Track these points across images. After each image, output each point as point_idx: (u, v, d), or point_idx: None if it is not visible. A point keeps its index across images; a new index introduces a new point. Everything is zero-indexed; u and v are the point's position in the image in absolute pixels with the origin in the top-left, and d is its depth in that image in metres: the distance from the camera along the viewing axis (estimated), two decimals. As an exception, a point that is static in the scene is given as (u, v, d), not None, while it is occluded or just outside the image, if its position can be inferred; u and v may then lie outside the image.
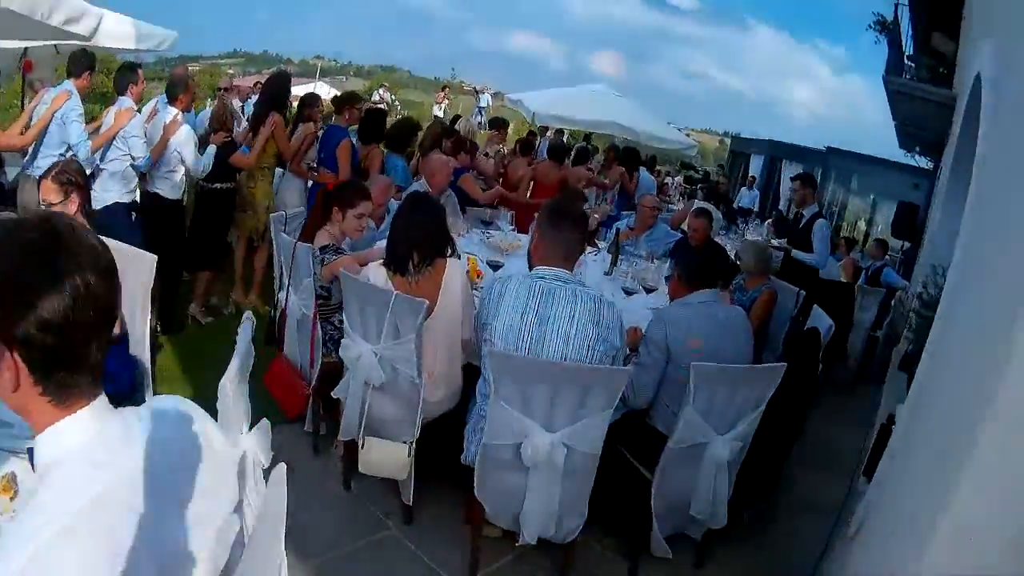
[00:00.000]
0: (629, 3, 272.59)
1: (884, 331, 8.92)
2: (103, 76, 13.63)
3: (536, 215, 4.06)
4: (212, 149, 6.77)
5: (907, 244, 15.21)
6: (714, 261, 4.58)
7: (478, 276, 5.42)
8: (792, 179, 9.32)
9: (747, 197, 19.18)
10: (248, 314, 2.80)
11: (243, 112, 15.18)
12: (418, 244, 4.09)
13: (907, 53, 13.60)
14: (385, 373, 3.99)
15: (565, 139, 16.77)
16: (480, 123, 28.44)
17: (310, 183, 7.74)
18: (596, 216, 7.83)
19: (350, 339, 4.18)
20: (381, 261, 4.20)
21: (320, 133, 7.82)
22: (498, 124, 11.34)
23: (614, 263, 6.55)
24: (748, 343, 4.31)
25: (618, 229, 7.27)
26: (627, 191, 11.59)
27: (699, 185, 16.83)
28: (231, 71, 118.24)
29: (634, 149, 13.08)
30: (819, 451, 6.18)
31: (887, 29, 13.81)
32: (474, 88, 35.98)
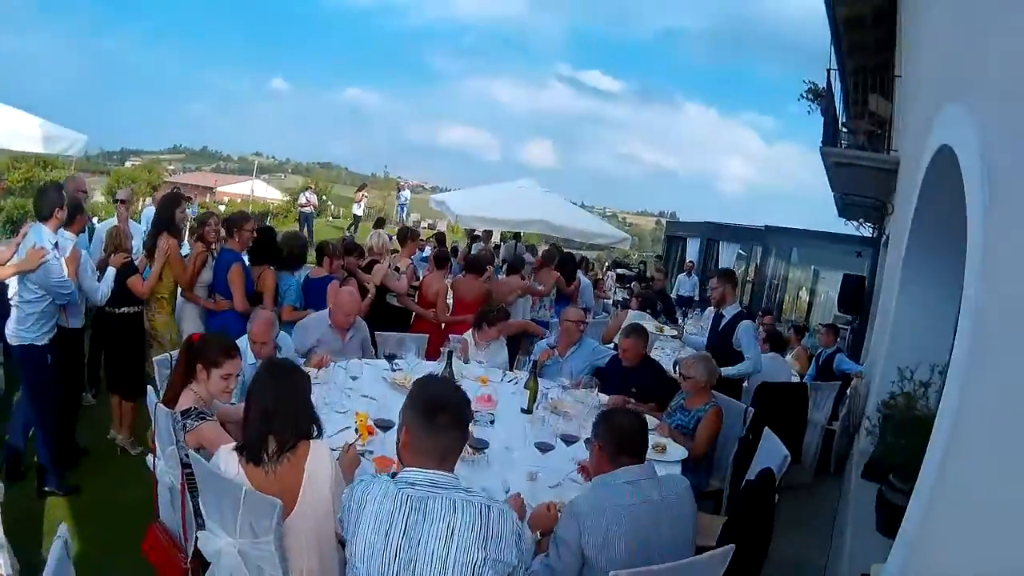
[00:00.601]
0: (558, 91, 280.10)
1: (841, 423, 8.44)
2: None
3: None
4: (111, 272, 6.47)
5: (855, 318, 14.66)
6: (643, 431, 3.56)
7: (370, 433, 4.55)
8: (710, 276, 8.55)
9: (686, 284, 18.47)
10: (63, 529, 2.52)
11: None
12: (275, 428, 3.31)
13: (841, 120, 13.03)
14: (251, 572, 3.26)
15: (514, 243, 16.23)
16: (401, 220, 27.85)
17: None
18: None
19: (209, 530, 3.43)
20: (233, 446, 3.42)
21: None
22: (407, 235, 10.05)
23: (533, 399, 5.61)
24: (691, 522, 3.46)
25: (534, 362, 6.41)
26: (566, 295, 11.21)
27: (631, 283, 16.14)
28: (171, 167, 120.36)
29: (570, 255, 12.82)
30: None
31: (820, 97, 13.18)
32: (396, 183, 35.42)
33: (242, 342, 5.30)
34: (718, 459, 5.87)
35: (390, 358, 6.36)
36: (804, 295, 22.44)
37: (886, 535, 4.43)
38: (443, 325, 8.76)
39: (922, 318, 6.50)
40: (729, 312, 7.40)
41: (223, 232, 7.12)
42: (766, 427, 5.30)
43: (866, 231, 17.34)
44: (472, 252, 14.54)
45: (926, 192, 5.75)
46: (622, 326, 7.52)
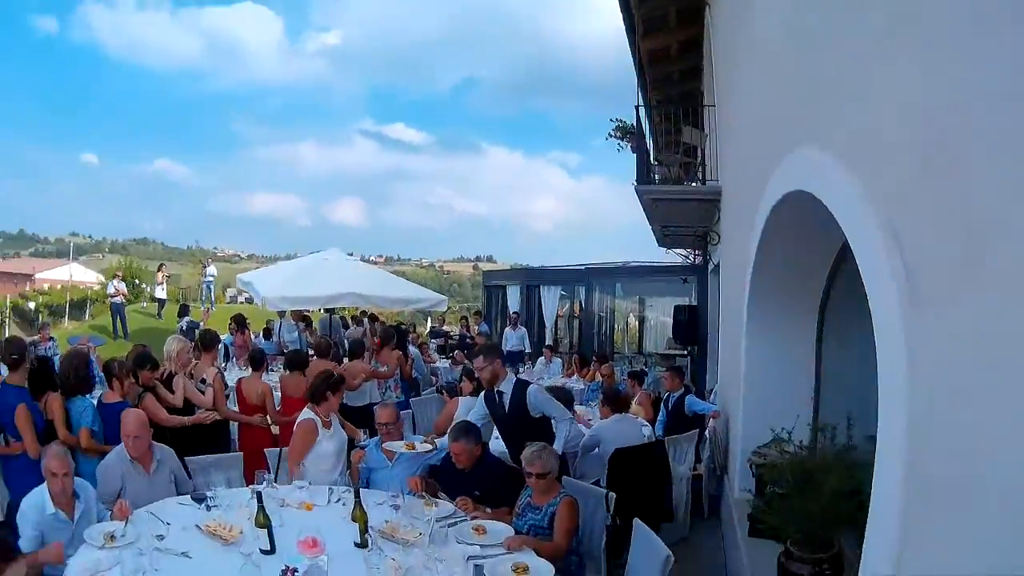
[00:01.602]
0: (363, 147, 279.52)
1: (705, 466, 8.29)
2: None
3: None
4: None
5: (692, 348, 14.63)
6: None
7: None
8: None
9: (513, 337, 17.55)
10: None
11: None
12: None
13: (652, 154, 12.97)
14: None
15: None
16: (205, 298, 26.46)
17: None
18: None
19: None
20: None
21: None
22: (208, 341, 8.60)
23: (364, 531, 4.76)
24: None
25: (356, 490, 5.17)
26: (404, 374, 10.98)
27: (453, 353, 15.53)
28: None
29: (396, 327, 12.59)
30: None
31: (629, 134, 13.09)
32: (207, 258, 33.80)
33: (42, 492, 4.82)
34: (588, 550, 5.42)
35: (198, 498, 5.40)
36: (634, 325, 22.43)
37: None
38: (275, 429, 8.13)
39: (774, 356, 6.34)
40: (506, 387, 6.60)
41: None
42: (636, 520, 4.91)
43: (676, 258, 17.50)
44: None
45: (771, 233, 5.53)
46: (453, 419, 6.91)
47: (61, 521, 4.82)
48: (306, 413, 6.37)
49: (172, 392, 7.45)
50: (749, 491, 6.18)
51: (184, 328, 16.56)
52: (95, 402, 6.75)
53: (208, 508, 5.20)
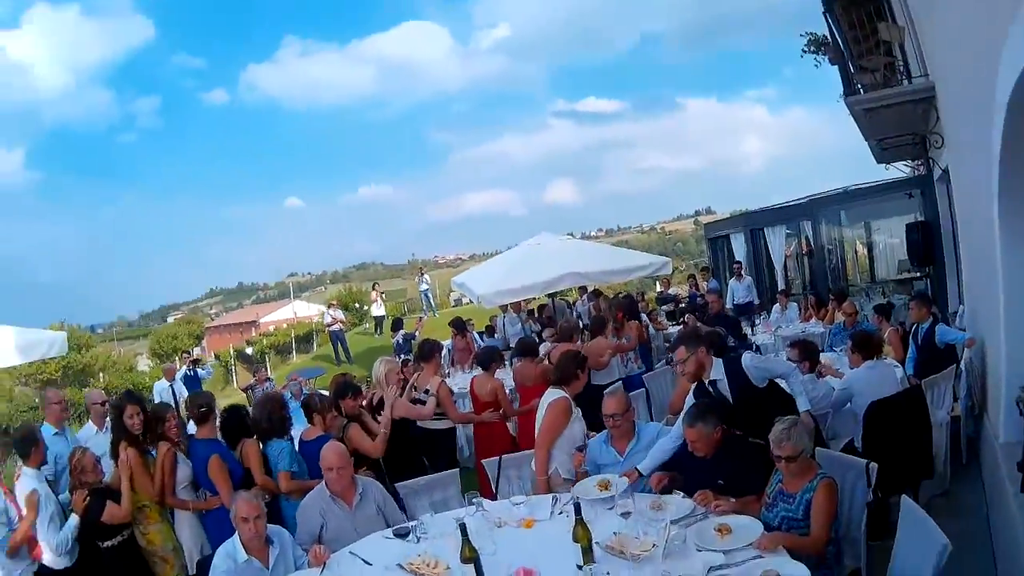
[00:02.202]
0: (561, 128, 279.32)
1: (962, 404, 7.22)
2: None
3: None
4: (72, 522, 5.73)
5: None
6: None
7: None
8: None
9: (739, 290, 16.59)
10: None
11: (173, 393, 13.52)
12: None
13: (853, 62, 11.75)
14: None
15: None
16: (427, 307, 26.87)
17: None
18: None
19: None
20: None
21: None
22: (426, 352, 8.14)
23: (587, 551, 4.01)
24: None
25: (576, 504, 4.27)
26: (645, 345, 10.79)
27: (684, 317, 14.22)
28: (213, 311, 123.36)
29: (629, 297, 12.36)
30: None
31: (823, 45, 11.86)
32: (419, 269, 34.42)
33: (234, 541, 4.68)
34: (845, 533, 4.58)
35: (401, 533, 4.95)
36: (863, 253, 20.78)
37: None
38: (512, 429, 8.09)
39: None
40: (717, 373, 5.63)
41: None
42: (904, 497, 4.07)
43: (898, 172, 16.03)
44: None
45: (1021, 108, 4.29)
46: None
47: (255, 569, 4.60)
48: (555, 393, 5.87)
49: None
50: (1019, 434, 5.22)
51: (400, 342, 16.64)
52: (296, 441, 6.57)
53: (417, 540, 4.78)
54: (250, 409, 7.14)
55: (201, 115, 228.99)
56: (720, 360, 5.65)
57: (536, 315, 15.66)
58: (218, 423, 6.60)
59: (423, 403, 7.47)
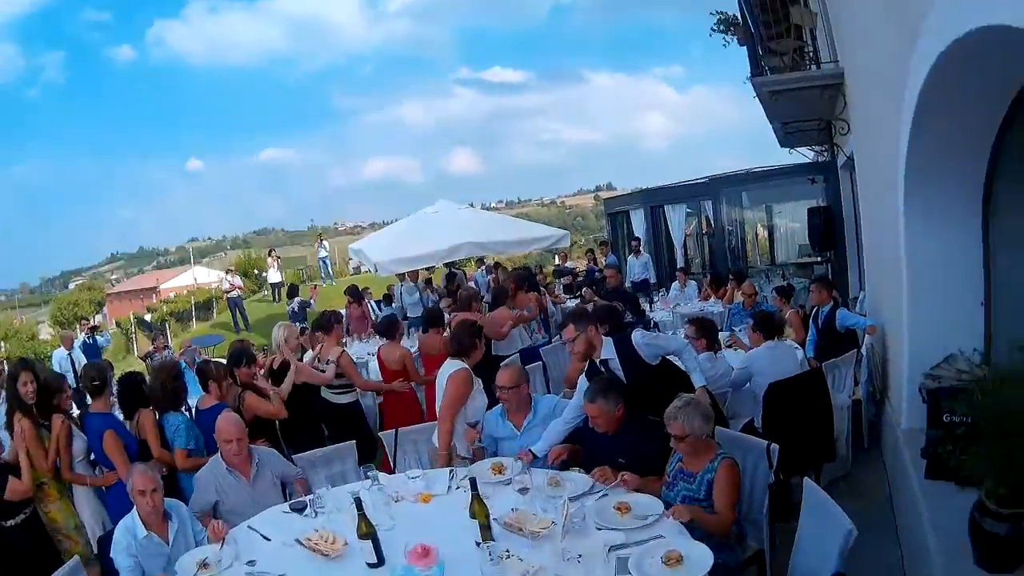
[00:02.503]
0: (465, 96, 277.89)
1: (863, 389, 7.24)
2: None
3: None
4: None
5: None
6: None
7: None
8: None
9: (636, 266, 16.55)
10: None
11: (72, 362, 13.28)
12: None
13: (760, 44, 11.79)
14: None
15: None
16: (325, 275, 26.68)
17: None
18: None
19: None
20: None
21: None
22: (325, 323, 8.06)
23: (486, 529, 3.99)
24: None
25: (472, 480, 4.26)
26: (544, 316, 11.01)
27: (582, 290, 13.96)
28: (114, 276, 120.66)
29: (526, 269, 12.72)
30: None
31: (733, 25, 11.88)
32: (319, 236, 33.92)
33: (132, 516, 4.51)
34: (747, 514, 4.58)
35: (297, 507, 4.79)
36: (764, 236, 21.17)
37: (989, 570, 3.58)
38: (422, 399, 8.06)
39: (940, 256, 5.24)
40: (608, 352, 5.56)
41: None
42: (807, 480, 4.03)
43: (802, 157, 16.29)
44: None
45: (932, 99, 4.35)
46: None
47: (155, 544, 4.46)
48: (455, 364, 5.73)
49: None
50: (917, 415, 5.27)
51: (296, 309, 16.42)
52: (193, 409, 6.50)
53: (315, 514, 4.67)
54: (147, 377, 6.96)
55: (107, 71, 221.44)
56: (611, 339, 5.57)
57: (437, 284, 15.49)
58: (114, 392, 6.47)
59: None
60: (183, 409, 6.29)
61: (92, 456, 6.01)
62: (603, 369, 5.46)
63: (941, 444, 4.12)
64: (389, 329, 8.40)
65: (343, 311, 13.62)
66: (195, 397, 6.61)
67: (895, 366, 6.45)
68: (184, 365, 8.33)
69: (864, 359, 7.32)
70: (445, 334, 8.28)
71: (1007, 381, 3.68)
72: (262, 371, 7.22)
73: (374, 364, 8.71)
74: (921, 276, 5.37)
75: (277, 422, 6.73)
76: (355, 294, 14.44)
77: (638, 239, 18.35)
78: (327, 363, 7.55)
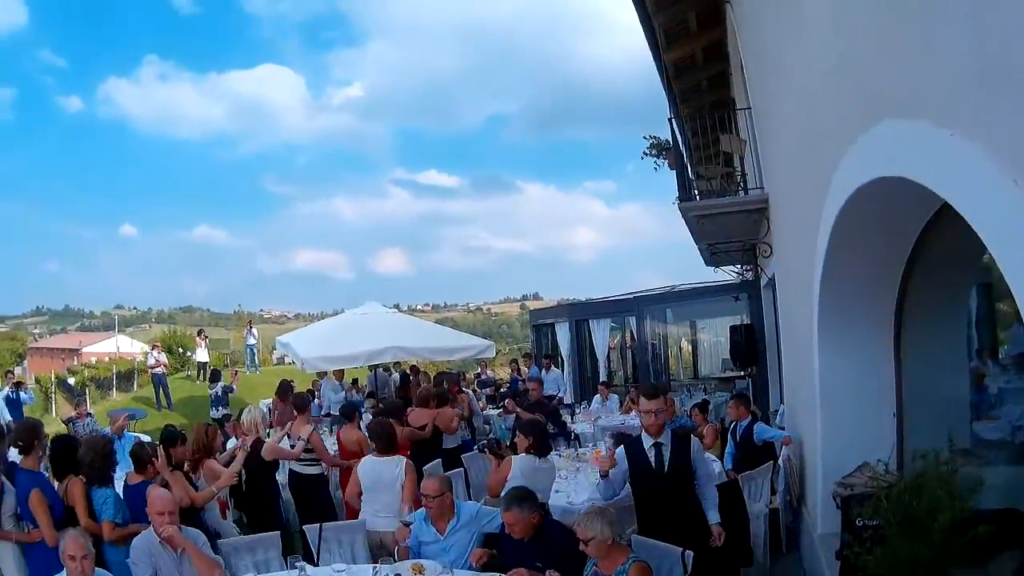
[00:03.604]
0: (398, 197, 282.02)
1: (781, 499, 7.58)
2: None
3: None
4: None
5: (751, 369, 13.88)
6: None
7: None
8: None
9: (547, 381, 15.46)
10: None
11: None
12: None
13: (691, 169, 12.38)
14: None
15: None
16: (250, 363, 26.42)
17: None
18: None
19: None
20: None
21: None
22: (301, 403, 9.11)
23: None
24: None
25: None
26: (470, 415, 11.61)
27: (504, 402, 13.52)
28: (36, 330, 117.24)
29: (458, 374, 13.54)
30: None
31: (665, 150, 12.47)
32: (248, 322, 33.53)
33: None
34: None
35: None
36: (688, 350, 21.60)
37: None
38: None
39: (854, 371, 5.65)
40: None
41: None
42: None
43: (726, 276, 16.80)
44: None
45: (844, 232, 4.85)
46: (507, 481, 6.13)
47: None
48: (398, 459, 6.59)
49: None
50: (832, 521, 5.56)
51: (220, 393, 16.23)
52: (121, 483, 6.55)
53: None
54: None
55: (54, 118, 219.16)
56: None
57: (363, 384, 15.55)
58: (47, 451, 6.42)
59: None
60: (111, 485, 6.26)
61: (18, 510, 5.93)
62: (654, 452, 5.69)
63: (852, 546, 4.42)
64: (349, 413, 9.18)
65: (265, 401, 13.97)
66: (122, 470, 6.74)
67: (811, 475, 6.78)
68: (112, 436, 8.40)
69: (781, 469, 7.59)
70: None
71: (911, 487, 4.02)
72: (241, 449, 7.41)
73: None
74: (834, 391, 5.74)
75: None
76: (284, 392, 14.54)
77: (549, 356, 18.59)
78: (298, 439, 8.07)
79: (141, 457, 6.51)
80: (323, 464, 8.50)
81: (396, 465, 6.50)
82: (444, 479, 5.93)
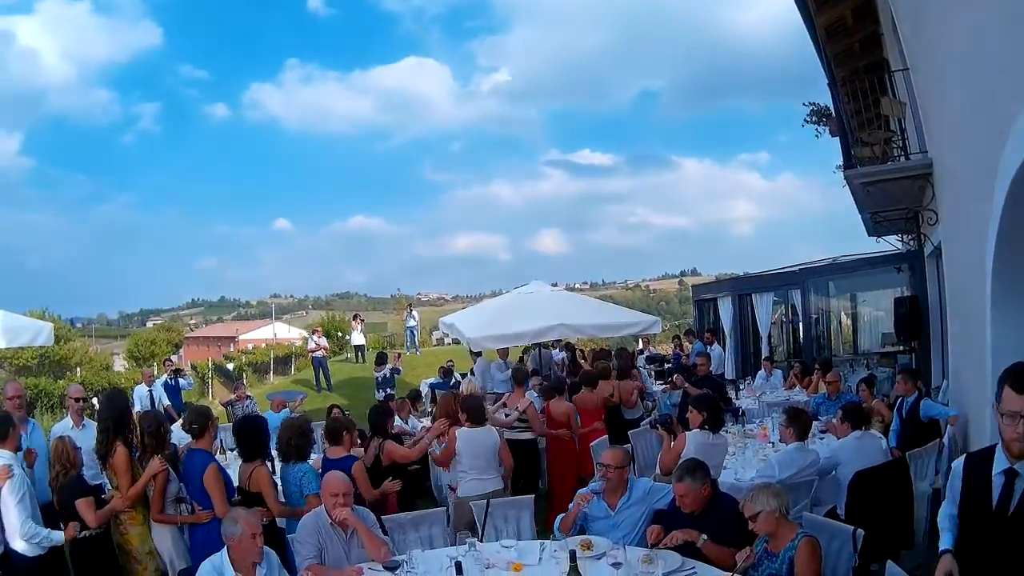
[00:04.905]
0: (553, 178, 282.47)
1: (944, 479, 6.76)
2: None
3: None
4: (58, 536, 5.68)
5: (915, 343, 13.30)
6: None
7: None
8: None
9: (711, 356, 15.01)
10: None
11: (151, 399, 13.68)
12: None
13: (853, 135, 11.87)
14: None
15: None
16: (410, 344, 26.95)
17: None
18: None
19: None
20: None
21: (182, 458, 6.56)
22: (521, 376, 10.30)
23: None
24: None
25: (572, 552, 4.57)
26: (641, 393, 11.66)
27: (673, 377, 12.97)
28: (192, 321, 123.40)
29: (624, 350, 13.40)
30: None
31: (825, 117, 12.01)
32: (407, 303, 34.22)
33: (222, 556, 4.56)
34: None
35: (391, 567, 4.90)
36: (848, 325, 20.79)
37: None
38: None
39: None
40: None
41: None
42: (889, 563, 4.13)
43: (888, 246, 16.08)
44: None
45: (1021, 196, 4.49)
46: (680, 456, 6.00)
47: None
48: None
49: None
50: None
51: (387, 375, 16.63)
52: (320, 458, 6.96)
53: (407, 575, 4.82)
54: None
55: (201, 127, 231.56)
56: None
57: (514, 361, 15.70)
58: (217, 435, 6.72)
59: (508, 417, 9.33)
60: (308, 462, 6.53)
61: (181, 494, 6.15)
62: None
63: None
64: (559, 388, 9.83)
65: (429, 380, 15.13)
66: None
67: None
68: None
69: (946, 449, 7.29)
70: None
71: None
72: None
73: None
74: (1007, 364, 5.38)
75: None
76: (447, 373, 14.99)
77: (711, 330, 18.30)
78: (515, 410, 9.30)
79: (341, 429, 6.86)
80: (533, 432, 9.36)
81: (490, 434, 7.11)
82: (626, 453, 5.87)
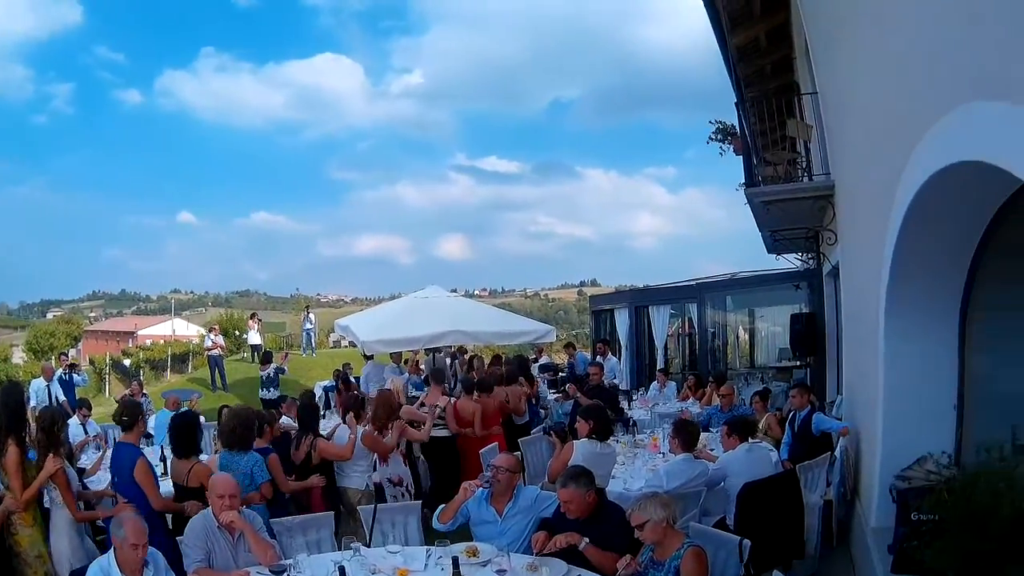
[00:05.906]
0: (460, 183, 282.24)
1: (835, 491, 7.46)
2: None
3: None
4: None
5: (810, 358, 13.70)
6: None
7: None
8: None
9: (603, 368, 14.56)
10: None
11: (49, 394, 13.95)
12: None
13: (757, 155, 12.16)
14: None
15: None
16: (306, 345, 26.79)
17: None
18: None
19: None
20: None
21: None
22: (438, 376, 10.81)
23: None
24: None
25: (454, 559, 4.77)
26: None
27: (566, 386, 13.53)
28: (92, 314, 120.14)
29: (522, 357, 13.64)
30: None
31: (730, 135, 12.31)
32: (306, 306, 33.94)
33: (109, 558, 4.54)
34: None
35: (277, 571, 4.87)
36: (745, 339, 21.32)
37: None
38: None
39: (918, 361, 5.52)
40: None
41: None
42: (775, 572, 4.31)
43: (787, 264, 16.54)
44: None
45: (917, 217, 4.70)
46: (567, 464, 6.06)
47: None
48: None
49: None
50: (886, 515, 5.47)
51: (271, 375, 16.41)
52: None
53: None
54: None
55: (113, 111, 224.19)
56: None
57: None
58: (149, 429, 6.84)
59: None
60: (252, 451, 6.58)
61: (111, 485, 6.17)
62: None
63: (907, 540, 4.35)
64: (468, 387, 9.99)
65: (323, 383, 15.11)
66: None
67: (867, 467, 6.67)
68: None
69: (837, 461, 7.49)
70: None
71: (973, 482, 3.92)
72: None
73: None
74: (897, 380, 5.62)
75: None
76: (345, 380, 14.71)
77: (604, 341, 18.36)
78: (434, 407, 9.54)
79: (262, 421, 7.16)
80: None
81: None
82: (518, 460, 6.04)
